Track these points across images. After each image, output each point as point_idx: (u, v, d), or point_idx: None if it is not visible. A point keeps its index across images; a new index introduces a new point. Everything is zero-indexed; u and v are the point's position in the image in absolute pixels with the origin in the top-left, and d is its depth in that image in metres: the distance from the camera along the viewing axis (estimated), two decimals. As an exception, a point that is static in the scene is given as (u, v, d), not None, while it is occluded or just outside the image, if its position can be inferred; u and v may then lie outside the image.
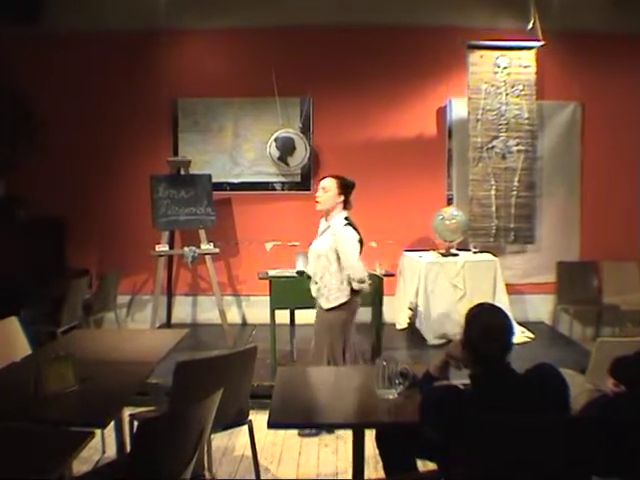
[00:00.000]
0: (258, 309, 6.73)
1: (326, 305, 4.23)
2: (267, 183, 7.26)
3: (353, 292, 4.21)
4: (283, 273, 5.56)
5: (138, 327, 6.96)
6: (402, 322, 6.51)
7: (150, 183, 6.63)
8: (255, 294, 7.03)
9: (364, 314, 5.67)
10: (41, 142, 6.83)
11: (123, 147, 7.15)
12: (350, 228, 4.16)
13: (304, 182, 7.27)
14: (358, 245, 4.14)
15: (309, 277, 4.44)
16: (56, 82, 7.03)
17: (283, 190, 7.27)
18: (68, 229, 7.21)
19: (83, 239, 7.25)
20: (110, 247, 7.27)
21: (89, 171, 7.18)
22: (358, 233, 4.19)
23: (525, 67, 6.74)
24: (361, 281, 4.16)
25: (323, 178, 4.34)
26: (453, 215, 6.61)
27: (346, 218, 4.23)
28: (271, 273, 5.56)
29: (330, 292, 4.20)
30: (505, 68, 6.73)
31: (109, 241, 7.28)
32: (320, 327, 4.31)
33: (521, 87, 6.73)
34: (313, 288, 4.30)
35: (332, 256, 4.15)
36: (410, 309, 6.42)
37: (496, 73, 6.73)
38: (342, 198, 4.22)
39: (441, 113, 7.18)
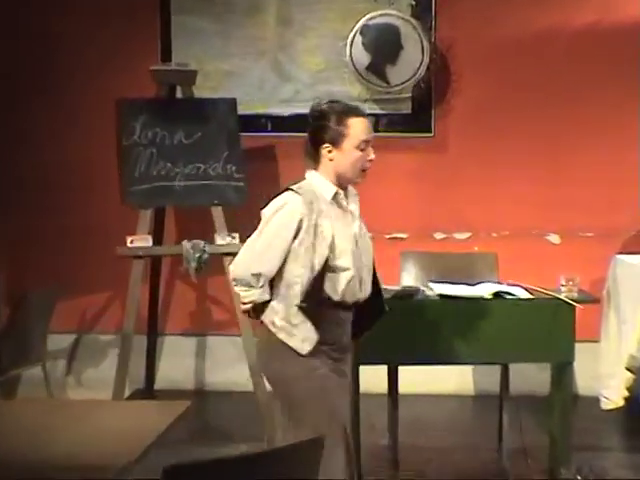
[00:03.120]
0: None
1: None
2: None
3: None
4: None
5: (90, 396, 6.84)
6: (614, 396, 6.43)
7: (117, 115, 6.79)
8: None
9: (536, 380, 6.21)
10: None
11: (66, 50, 7.34)
12: None
13: (418, 116, 7.39)
14: None
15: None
16: None
17: (377, 131, 6.76)
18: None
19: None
20: (37, 241, 7.41)
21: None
22: None
23: None
24: None
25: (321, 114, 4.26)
26: None
27: None
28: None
29: None
30: None
31: (34, 230, 7.39)
32: None
33: None
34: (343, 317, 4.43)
35: None
36: (629, 370, 6.28)
37: None
38: None
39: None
